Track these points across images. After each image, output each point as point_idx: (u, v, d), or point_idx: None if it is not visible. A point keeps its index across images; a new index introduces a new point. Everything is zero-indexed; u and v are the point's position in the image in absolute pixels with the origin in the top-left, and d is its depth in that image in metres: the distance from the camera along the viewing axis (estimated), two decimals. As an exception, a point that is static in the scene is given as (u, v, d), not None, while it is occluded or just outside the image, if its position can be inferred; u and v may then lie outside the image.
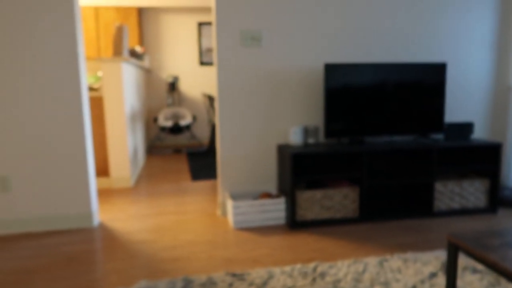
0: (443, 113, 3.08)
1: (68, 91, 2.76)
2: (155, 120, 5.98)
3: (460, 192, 3.02)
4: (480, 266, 2.14)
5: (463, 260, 2.20)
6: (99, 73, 5.67)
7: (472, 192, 3.04)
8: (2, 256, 2.42)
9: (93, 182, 2.96)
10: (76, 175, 2.84)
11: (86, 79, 2.92)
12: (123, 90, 3.90)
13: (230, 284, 2.02)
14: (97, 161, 3.92)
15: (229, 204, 2.88)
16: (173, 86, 6.37)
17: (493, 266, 1.27)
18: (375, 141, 3.13)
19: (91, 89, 4.30)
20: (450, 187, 3.00)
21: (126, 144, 3.95)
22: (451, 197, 3.01)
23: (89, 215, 2.88)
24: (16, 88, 2.69)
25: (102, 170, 3.94)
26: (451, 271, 1.46)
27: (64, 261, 2.34)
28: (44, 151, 2.78)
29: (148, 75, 6.55)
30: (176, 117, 6.15)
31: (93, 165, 3.00)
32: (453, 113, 3.35)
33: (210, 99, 5.50)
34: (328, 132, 2.96)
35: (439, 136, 3.26)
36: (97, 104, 3.86)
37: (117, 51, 4.04)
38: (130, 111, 4.27)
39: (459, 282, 2.00)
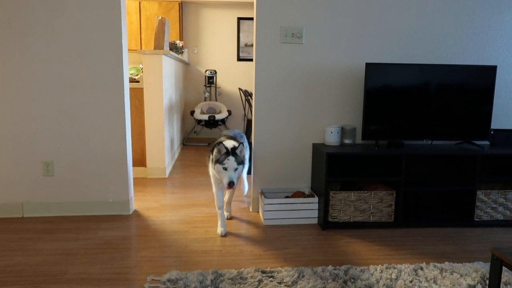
0: (490, 118, 2.93)
1: (111, 82, 2.84)
2: (192, 113, 6.07)
3: (504, 203, 2.87)
4: (523, 282, 2.02)
5: (504, 275, 2.09)
6: (140, 65, 5.82)
7: (518, 203, 2.87)
8: (43, 237, 2.54)
9: (130, 171, 3.05)
10: (115, 164, 2.93)
11: (128, 71, 3.00)
12: (163, 82, 3.97)
13: (260, 281, 2.02)
14: (135, 151, 4.03)
15: (261, 200, 2.88)
16: (210, 80, 6.44)
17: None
18: (415, 145, 3.03)
19: (132, 80, 4.42)
20: (494, 197, 2.85)
21: (163, 135, 4.03)
22: (494, 207, 2.86)
23: (126, 203, 2.97)
24: (62, 78, 2.80)
25: (139, 160, 4.05)
26: (493, 286, 1.39)
27: (101, 246, 2.42)
28: (86, 139, 2.89)
29: (187, 69, 6.65)
30: (212, 110, 6.22)
31: (131, 154, 3.08)
32: (502, 119, 3.18)
33: (246, 94, 5.51)
34: (366, 133, 2.88)
35: (485, 143, 3.10)
36: (137, 95, 3.96)
37: (158, 44, 4.12)
38: (168, 103, 4.36)
39: (500, 298, 1.90)
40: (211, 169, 2.64)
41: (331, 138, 2.91)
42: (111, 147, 2.91)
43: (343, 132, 2.96)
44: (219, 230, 2.64)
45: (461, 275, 2.11)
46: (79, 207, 2.94)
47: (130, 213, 2.99)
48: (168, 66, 4.36)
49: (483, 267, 2.20)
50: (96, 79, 2.83)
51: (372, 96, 2.84)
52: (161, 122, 4.02)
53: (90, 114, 2.86)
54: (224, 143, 2.54)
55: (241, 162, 2.49)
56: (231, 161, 2.43)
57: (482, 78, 2.89)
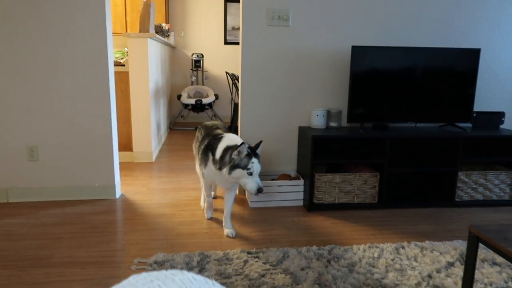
0: (473, 101, 2.98)
1: (96, 66, 2.80)
2: (179, 97, 6.02)
3: (484, 184, 2.94)
4: (499, 259, 2.10)
5: (482, 252, 2.16)
6: (126, 49, 5.73)
7: (497, 184, 2.95)
8: (28, 222, 2.53)
9: (116, 155, 3.03)
10: (101, 148, 2.91)
11: (113, 54, 2.96)
12: (149, 66, 3.93)
13: (245, 261, 2.05)
14: (120, 135, 4.00)
15: (248, 183, 2.90)
16: (197, 64, 6.38)
17: (513, 260, 1.24)
18: (399, 128, 3.07)
19: (117, 64, 4.35)
20: (474, 178, 2.93)
21: (149, 120, 4.01)
22: (474, 188, 2.94)
23: (112, 187, 2.96)
24: (45, 61, 2.75)
25: (125, 144, 4.02)
26: (470, 262, 1.44)
27: (87, 230, 2.42)
28: (71, 124, 2.85)
29: (173, 52, 6.57)
30: (199, 95, 6.18)
31: (117, 138, 3.06)
32: (484, 101, 3.23)
33: (233, 78, 5.48)
34: (351, 116, 2.91)
35: (467, 125, 3.16)
36: (122, 79, 3.91)
37: (143, 27, 4.05)
38: (154, 87, 4.32)
39: (477, 274, 1.97)
40: (210, 170, 2.31)
41: (317, 121, 2.93)
42: (96, 131, 2.89)
43: (329, 115, 2.98)
44: (227, 232, 2.39)
45: (441, 253, 2.18)
46: (65, 192, 2.93)
47: (117, 197, 2.99)
48: (154, 49, 4.30)
49: (462, 245, 2.27)
50: (80, 62, 2.78)
51: (358, 79, 2.85)
52: (147, 106, 3.98)
53: (75, 98, 2.83)
54: (226, 136, 2.30)
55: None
56: (256, 164, 2.14)
57: (466, 61, 2.93)
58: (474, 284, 1.87)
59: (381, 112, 2.94)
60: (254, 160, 2.13)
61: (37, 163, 2.87)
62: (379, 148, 2.86)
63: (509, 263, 2.04)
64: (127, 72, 3.90)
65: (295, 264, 2.03)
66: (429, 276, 1.95)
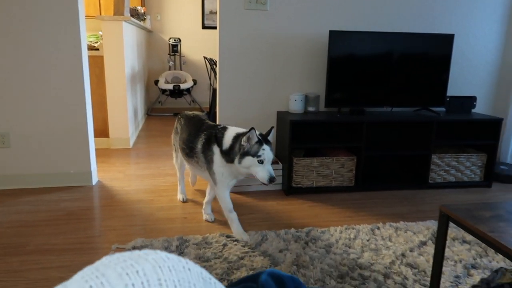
0: (447, 86, 3.04)
1: (68, 50, 2.71)
2: (156, 82, 5.92)
3: (456, 166, 3.04)
4: (469, 237, 2.19)
5: (453, 231, 2.25)
6: (100, 32, 5.56)
7: (469, 166, 3.05)
8: (2, 210, 2.47)
9: (92, 141, 2.97)
10: (76, 134, 2.85)
11: (86, 38, 2.87)
12: (124, 50, 3.84)
13: (224, 245, 2.07)
14: (96, 121, 3.91)
15: (227, 168, 2.90)
16: (174, 49, 6.27)
17: (482, 237, 1.30)
18: (376, 112, 3.12)
19: (91, 48, 4.23)
20: (447, 160, 3.02)
21: (126, 105, 3.93)
22: (447, 170, 3.03)
23: (88, 173, 2.91)
24: (16, 46, 2.65)
25: (102, 130, 3.95)
26: (440, 240, 1.49)
27: (63, 217, 2.38)
28: (43, 109, 2.77)
29: (150, 37, 6.43)
30: (177, 80, 6.10)
31: (92, 124, 3.00)
32: (457, 86, 3.31)
33: (211, 63, 5.42)
34: (329, 101, 2.93)
35: (441, 109, 3.23)
36: (97, 64, 3.81)
37: (118, 10, 3.94)
38: (130, 72, 4.23)
39: (448, 252, 2.05)
40: (220, 166, 2.11)
41: (295, 106, 2.95)
42: (70, 117, 2.82)
43: (307, 100, 3.00)
44: (243, 236, 2.17)
45: (414, 233, 2.25)
46: (39, 179, 2.86)
47: (93, 184, 2.95)
48: (129, 33, 4.20)
49: (434, 225, 2.35)
50: (52, 46, 2.69)
51: (335, 64, 2.87)
52: (123, 91, 3.90)
53: (47, 83, 2.74)
54: (230, 127, 2.14)
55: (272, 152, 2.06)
56: (267, 152, 1.97)
57: (440, 47, 2.98)
58: (445, 261, 1.95)
59: (358, 96, 2.98)
60: (265, 147, 1.97)
61: (9, 149, 2.79)
62: (356, 132, 2.90)
63: (478, 241, 2.13)
64: (102, 57, 3.80)
65: (274, 247, 2.06)
66: (403, 255, 2.02)
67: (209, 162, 2.14)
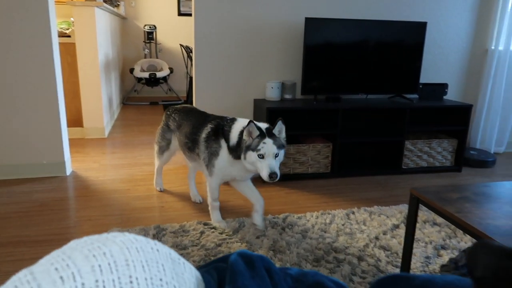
0: (419, 73, 3.11)
1: (38, 37, 2.62)
2: (131, 70, 5.81)
3: (428, 151, 3.12)
4: (439, 220, 2.26)
5: (424, 214, 2.32)
6: (72, 19, 5.39)
7: (440, 151, 3.15)
8: (-29, 202, 2.40)
9: (65, 131, 2.91)
10: (48, 123, 2.78)
11: (56, 24, 2.78)
12: (97, 37, 3.74)
13: (202, 232, 2.08)
14: (69, 110, 3.81)
15: (204, 156, 2.89)
16: (150, 36, 6.15)
17: (449, 218, 1.35)
18: (351, 99, 3.16)
19: (62, 35, 4.10)
20: (420, 146, 3.10)
21: (100, 94, 3.85)
22: (419, 156, 3.11)
23: (61, 164, 2.85)
24: (-21, 29, 2.54)
25: (75, 120, 3.86)
26: (410, 222, 1.54)
27: (36, 208, 2.33)
28: (13, 99, 2.68)
29: (124, 23, 6.28)
30: (153, 68, 5.99)
31: (65, 113, 2.93)
32: (429, 73, 3.39)
33: (188, 50, 5.35)
34: (305, 89, 2.95)
35: (414, 96, 3.31)
36: (69, 51, 3.70)
37: (89, -5, 3.82)
38: (104, 60, 4.13)
39: (419, 234, 2.12)
40: (225, 161, 1.99)
41: (272, 93, 2.95)
42: (41, 106, 2.74)
43: (283, 87, 3.01)
44: (221, 224, 2.15)
45: (387, 216, 2.31)
46: (11, 170, 2.78)
47: (68, 174, 2.89)
48: (102, 19, 4.09)
49: (407, 209, 2.41)
50: (20, 33, 2.59)
51: (311, 51, 2.88)
52: (97, 79, 3.81)
53: (16, 71, 2.65)
54: (239, 119, 2.01)
55: (282, 146, 1.87)
56: (269, 145, 1.81)
57: (413, 34, 3.04)
58: (416, 243, 2.02)
59: (334, 84, 3.01)
60: (267, 140, 1.82)
61: (-23, 140, 2.69)
62: (332, 119, 2.94)
63: (448, 223, 2.21)
64: (74, 44, 3.70)
65: (251, 233, 2.09)
66: (376, 238, 2.07)
67: (212, 154, 2.01)
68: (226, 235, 2.06)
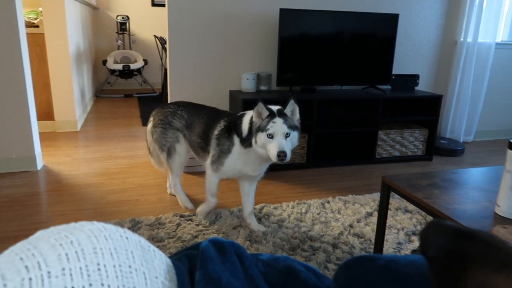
0: (392, 64, 3.17)
1: (3, 27, 2.52)
2: (104, 62, 5.68)
3: (401, 141, 3.20)
4: (411, 207, 2.33)
5: (396, 202, 2.38)
6: (40, 8, 5.20)
7: (412, 141, 3.23)
8: None
9: (35, 124, 2.82)
10: (16, 117, 2.69)
11: (23, 14, 2.68)
12: (67, 27, 3.63)
13: (178, 224, 2.07)
14: (39, 103, 3.70)
15: (180, 149, 2.87)
16: (123, 27, 6.01)
17: (418, 204, 1.39)
18: (326, 90, 3.19)
19: (30, 25, 3.95)
20: (392, 136, 3.17)
21: (71, 86, 3.75)
22: (392, 145, 3.19)
23: (32, 158, 2.77)
24: None
25: (46, 113, 3.75)
26: (382, 208, 1.58)
27: (5, 204, 2.26)
28: (-23, 90, 2.58)
29: (96, 14, 6.11)
30: (126, 60, 5.87)
31: (34, 106, 2.84)
32: (401, 64, 3.46)
33: (162, 42, 5.27)
34: (281, 80, 2.96)
35: (387, 87, 3.37)
36: (38, 42, 3.58)
37: (58, -16, 3.69)
38: (75, 51, 4.02)
39: (392, 221, 2.18)
40: (237, 157, 1.90)
41: (247, 85, 2.95)
42: (9, 99, 2.64)
43: (259, 78, 3.01)
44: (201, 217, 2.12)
45: (361, 205, 2.37)
46: (-23, 165, 2.68)
47: (38, 169, 2.81)
48: (72, 9, 3.96)
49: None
50: (-17, 21, 2.49)
51: (286, 43, 2.89)
52: (68, 71, 3.71)
53: (-21, 62, 2.55)
54: (248, 113, 1.89)
55: (294, 127, 1.75)
56: (278, 124, 1.69)
57: (386, 26, 3.09)
58: (389, 230, 2.07)
59: (309, 75, 3.03)
60: (276, 119, 1.70)
61: None
62: (307, 110, 2.96)
63: (419, 210, 2.27)
64: (43, 34, 3.57)
65: (227, 224, 2.09)
66: (350, 226, 2.12)
67: (223, 152, 1.92)
68: (203, 227, 2.06)
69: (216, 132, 1.95)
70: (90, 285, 0.39)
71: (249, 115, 1.88)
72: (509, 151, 1.20)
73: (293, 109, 1.77)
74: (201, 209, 2.14)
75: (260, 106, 1.73)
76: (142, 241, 0.51)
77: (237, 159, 1.90)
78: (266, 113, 1.73)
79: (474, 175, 1.66)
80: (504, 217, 1.23)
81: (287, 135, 1.71)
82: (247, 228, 2.05)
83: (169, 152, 2.17)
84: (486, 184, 1.53)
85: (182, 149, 2.18)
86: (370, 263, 0.51)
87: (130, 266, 0.44)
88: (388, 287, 0.48)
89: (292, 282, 0.57)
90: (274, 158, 1.69)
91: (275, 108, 1.78)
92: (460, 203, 1.35)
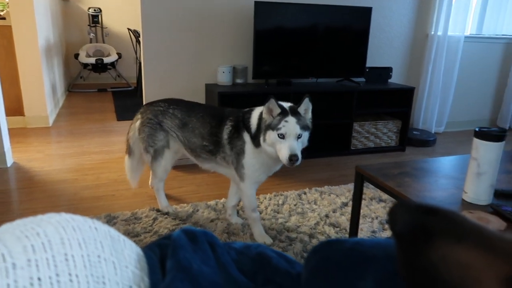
0: (366, 57, 3.22)
1: (-35, 16, 2.42)
2: (76, 56, 5.53)
3: (375, 132, 3.27)
4: (385, 196, 2.39)
5: (371, 192, 2.44)
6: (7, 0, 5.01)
7: (386, 132, 3.30)
8: None
9: (3, 119, 2.73)
10: (-17, 112, 2.59)
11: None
12: (36, 19, 3.51)
13: (155, 219, 2.05)
14: (8, 98, 3.57)
15: (156, 143, 2.84)
16: (95, 20, 5.86)
17: (390, 191, 1.43)
18: (302, 83, 3.22)
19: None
20: (367, 128, 3.23)
21: (42, 80, 3.63)
22: (367, 137, 3.25)
23: (1, 155, 2.68)
24: None
25: (15, 108, 3.62)
26: (356, 197, 1.62)
27: (-27, 202, 2.19)
28: None
29: (66, 6, 5.93)
30: (99, 53, 5.74)
31: (2, 101, 2.75)
32: (375, 57, 3.51)
33: (137, 35, 5.17)
34: (257, 73, 2.97)
35: (361, 80, 3.42)
36: (4, 34, 3.45)
37: (25, -26, 3.56)
38: (45, 44, 3.89)
39: (366, 210, 2.23)
40: (253, 157, 1.77)
41: (223, 78, 2.94)
42: (-26, 93, 2.55)
43: (234, 71, 3.00)
44: (265, 239, 1.91)
45: (337, 195, 2.41)
46: None
47: (8, 165, 2.72)
48: (40, 0, 3.83)
49: (355, 187, 2.53)
50: None
51: (262, 36, 2.89)
52: (38, 65, 3.59)
53: None
54: (256, 109, 1.79)
55: (306, 127, 1.67)
56: (291, 124, 1.60)
57: (360, 19, 3.13)
58: (363, 219, 2.12)
59: (285, 68, 3.05)
60: (289, 118, 1.60)
61: None
62: (283, 103, 2.98)
63: (392, 199, 2.33)
64: (10, 26, 3.44)
65: (205, 217, 2.09)
66: (326, 216, 2.16)
67: (238, 154, 1.79)
68: (180, 221, 2.05)
69: (225, 135, 1.82)
70: (57, 275, 0.39)
71: (257, 110, 1.78)
72: (475, 139, 1.25)
73: (307, 107, 1.69)
74: (257, 234, 1.91)
75: (272, 102, 1.61)
76: (112, 231, 0.51)
77: (253, 158, 1.76)
78: (278, 110, 1.62)
79: (443, 164, 1.72)
80: (470, 203, 1.28)
81: (299, 136, 1.62)
82: (225, 221, 2.06)
83: (155, 155, 2.03)
84: (454, 172, 1.59)
85: (170, 155, 2.04)
86: (338, 246, 0.53)
87: (99, 256, 0.44)
88: (354, 268, 0.50)
89: (264, 269, 0.58)
90: (285, 160, 1.59)
91: (286, 105, 1.69)
92: (430, 191, 1.40)
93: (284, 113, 1.62)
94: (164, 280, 0.49)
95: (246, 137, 1.76)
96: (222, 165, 1.91)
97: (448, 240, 0.34)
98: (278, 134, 1.60)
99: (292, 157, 1.57)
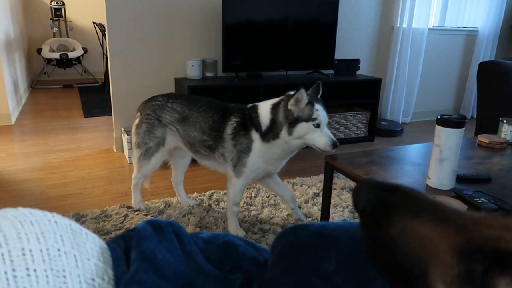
0: (334, 49, 3.26)
1: None
2: (39, 51, 5.32)
3: (345, 124, 3.33)
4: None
5: (342, 182, 2.49)
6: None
7: (355, 123, 3.37)
8: None
9: (-39, 118, 2.60)
10: None
11: None
12: (-7, 13, 3.35)
13: (125, 216, 2.02)
14: (-34, 96, 3.41)
15: (125, 139, 2.79)
16: (58, 13, 5.66)
17: (358, 180, 1.46)
18: (272, 76, 3.23)
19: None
20: (337, 119, 3.28)
21: (2, 76, 3.48)
22: (337, 128, 3.30)
23: (-41, 155, 2.56)
24: None
25: (-26, 107, 3.46)
26: (326, 186, 1.65)
27: None
28: None
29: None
30: (64, 48, 5.55)
31: (-41, 99, 2.61)
32: (343, 49, 3.57)
33: (102, 29, 5.03)
34: (227, 66, 2.95)
35: (330, 72, 3.47)
36: (-41, 29, 3.28)
37: (-20, -35, 3.39)
38: (4, 39, 3.73)
39: (337, 200, 2.27)
40: (259, 155, 1.73)
41: (193, 71, 2.91)
42: None
43: (204, 65, 2.97)
44: (239, 232, 1.92)
45: (309, 186, 2.44)
46: None
47: (-32, 166, 2.61)
48: (-3, -7, 3.66)
49: (326, 178, 2.57)
50: None
51: (231, 29, 2.87)
52: (-3, 61, 3.44)
53: None
54: (261, 104, 1.76)
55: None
56: (322, 112, 1.63)
57: (327, 12, 3.16)
58: (334, 209, 2.16)
59: (255, 61, 3.05)
60: (318, 106, 1.61)
61: None
62: (254, 96, 2.97)
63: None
64: (-35, 20, 3.28)
65: (177, 212, 2.08)
66: (299, 207, 2.18)
67: (242, 152, 1.74)
68: (152, 216, 2.02)
69: (229, 131, 1.76)
70: (14, 270, 0.38)
71: (263, 105, 1.75)
72: (437, 126, 1.29)
73: (320, 93, 1.73)
74: (232, 227, 1.91)
75: (302, 93, 1.57)
76: (73, 225, 0.50)
77: (259, 156, 1.74)
78: (306, 100, 1.59)
79: (409, 152, 1.77)
80: (434, 188, 1.33)
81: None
82: (197, 215, 2.05)
83: (146, 153, 1.94)
84: (419, 159, 1.64)
85: (162, 154, 1.97)
86: (302, 231, 0.54)
87: (59, 250, 0.42)
88: (318, 250, 0.51)
89: (231, 256, 0.58)
90: (329, 148, 1.62)
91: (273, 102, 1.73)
92: (396, 177, 1.44)
93: (311, 102, 1.61)
94: (128, 271, 0.48)
95: (255, 135, 1.73)
96: (219, 161, 1.87)
97: (406, 215, 0.36)
98: (313, 125, 1.61)
99: (336, 144, 1.62)
